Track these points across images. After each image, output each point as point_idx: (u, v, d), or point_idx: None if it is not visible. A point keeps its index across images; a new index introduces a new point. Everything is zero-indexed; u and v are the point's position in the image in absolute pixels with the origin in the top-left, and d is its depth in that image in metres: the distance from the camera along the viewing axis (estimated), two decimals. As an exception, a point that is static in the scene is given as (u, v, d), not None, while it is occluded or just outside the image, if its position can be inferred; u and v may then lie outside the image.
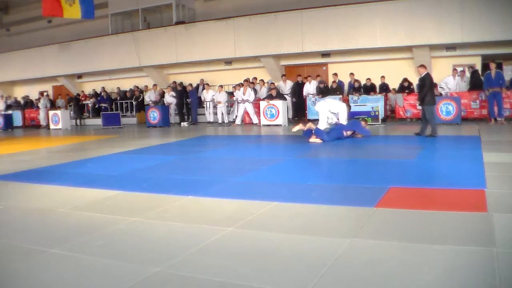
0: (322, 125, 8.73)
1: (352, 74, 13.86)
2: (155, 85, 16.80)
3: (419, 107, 9.70)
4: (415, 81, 13.32)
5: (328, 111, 8.98)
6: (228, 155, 7.52)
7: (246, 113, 14.12)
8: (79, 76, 20.09)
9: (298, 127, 8.85)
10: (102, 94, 18.20)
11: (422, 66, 8.82)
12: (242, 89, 13.92)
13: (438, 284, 2.17)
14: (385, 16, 13.16)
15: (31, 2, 19.71)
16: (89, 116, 18.39)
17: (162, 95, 16.21)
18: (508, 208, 3.41)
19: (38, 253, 2.84)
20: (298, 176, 5.18)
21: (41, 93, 19.43)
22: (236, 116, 14.34)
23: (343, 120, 8.84)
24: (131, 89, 17.77)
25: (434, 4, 12.54)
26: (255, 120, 13.77)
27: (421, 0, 12.69)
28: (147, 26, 17.92)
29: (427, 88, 8.43)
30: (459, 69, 12.87)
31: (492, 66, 11.18)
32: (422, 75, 8.63)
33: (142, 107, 16.86)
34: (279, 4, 15.12)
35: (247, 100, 13.72)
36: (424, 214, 3.34)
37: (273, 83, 14.59)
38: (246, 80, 14.24)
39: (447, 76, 12.63)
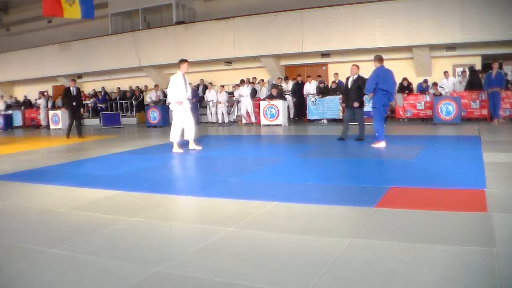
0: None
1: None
2: (156, 85, 16.80)
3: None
4: (415, 81, 13.38)
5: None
6: (228, 155, 7.51)
7: (245, 112, 14.15)
8: (79, 76, 20.07)
9: None
10: (98, 95, 18.18)
11: (356, 65, 8.36)
12: (241, 87, 14.03)
13: (438, 284, 2.17)
14: (385, 16, 13.15)
15: (31, 2, 19.71)
16: (89, 116, 18.39)
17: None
18: (508, 208, 3.41)
19: (38, 253, 2.84)
20: (298, 176, 5.17)
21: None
22: (237, 116, 14.36)
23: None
24: (131, 89, 17.76)
25: (434, 4, 12.54)
26: (253, 119, 13.80)
27: (421, 0, 12.68)
28: (147, 26, 17.92)
29: (362, 91, 7.89)
30: (458, 69, 12.85)
31: (494, 66, 11.05)
32: (355, 77, 8.20)
33: (142, 107, 16.85)
34: (279, 4, 15.12)
35: (242, 96, 13.84)
36: (424, 214, 3.34)
37: (280, 78, 14.55)
38: (243, 81, 14.40)
39: (442, 79, 12.64)
